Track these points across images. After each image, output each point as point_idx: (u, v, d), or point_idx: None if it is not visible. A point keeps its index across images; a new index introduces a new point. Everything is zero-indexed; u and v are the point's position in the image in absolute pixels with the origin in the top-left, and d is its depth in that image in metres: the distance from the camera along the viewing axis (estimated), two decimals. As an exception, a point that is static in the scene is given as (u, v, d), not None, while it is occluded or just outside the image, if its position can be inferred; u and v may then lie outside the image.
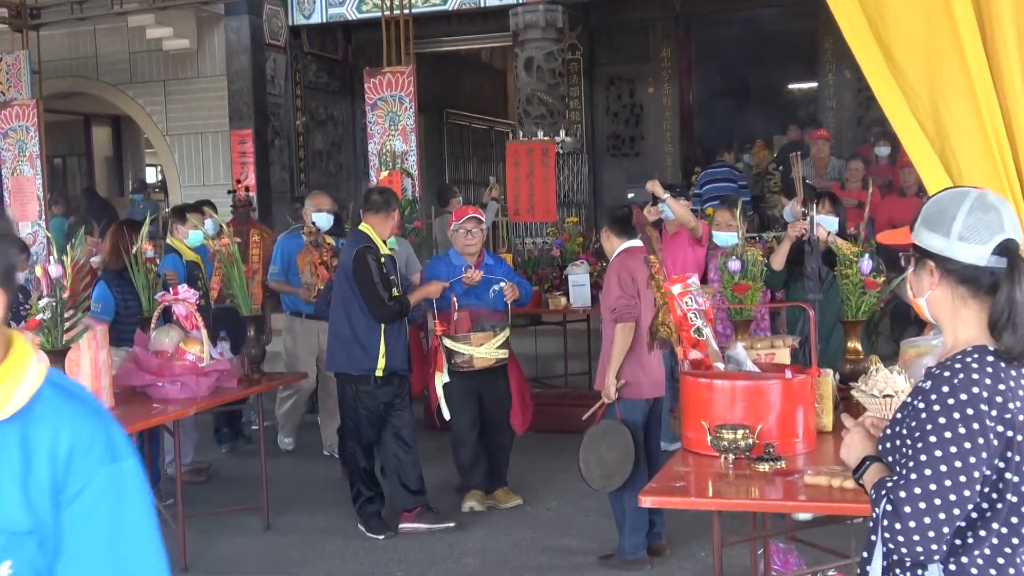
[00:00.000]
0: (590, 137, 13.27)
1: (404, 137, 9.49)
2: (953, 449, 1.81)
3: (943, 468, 1.81)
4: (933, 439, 1.83)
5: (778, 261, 5.50)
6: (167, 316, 5.47)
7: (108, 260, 5.92)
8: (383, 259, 5.47)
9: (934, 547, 1.82)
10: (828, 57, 12.69)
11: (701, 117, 13.66)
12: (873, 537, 1.95)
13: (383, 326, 5.44)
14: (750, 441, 3.25)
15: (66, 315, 4.40)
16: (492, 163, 16.22)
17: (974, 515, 1.86)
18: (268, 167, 11.58)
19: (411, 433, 5.63)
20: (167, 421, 5.16)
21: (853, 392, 3.42)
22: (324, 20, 11.89)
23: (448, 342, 5.62)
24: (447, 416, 5.73)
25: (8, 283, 1.35)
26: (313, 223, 6.82)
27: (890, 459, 1.98)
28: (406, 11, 9.86)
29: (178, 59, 11.98)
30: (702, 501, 3.15)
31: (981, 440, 1.81)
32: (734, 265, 4.26)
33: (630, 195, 12.10)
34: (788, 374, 3.53)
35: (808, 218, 4.75)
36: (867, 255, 4.07)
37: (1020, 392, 1.87)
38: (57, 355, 4.38)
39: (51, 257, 4.44)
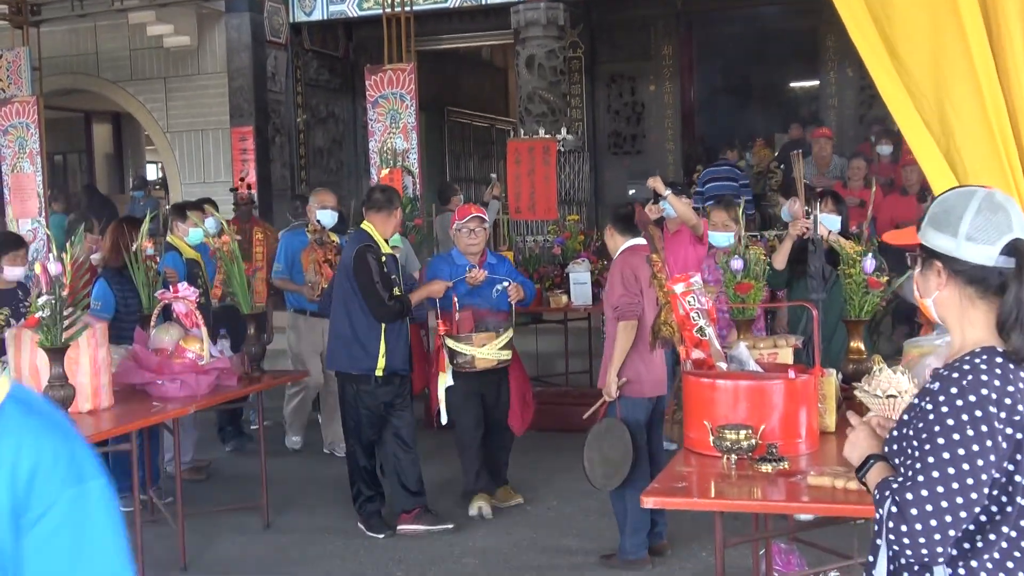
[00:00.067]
0: (591, 135, 13.26)
1: (405, 135, 9.49)
2: (961, 451, 1.79)
3: (951, 470, 1.79)
4: (941, 441, 1.81)
5: (780, 260, 5.47)
6: (167, 314, 5.45)
7: (108, 257, 5.89)
8: (384, 258, 5.44)
9: (939, 549, 1.80)
10: (830, 55, 12.68)
11: (702, 115, 13.64)
12: (878, 540, 1.93)
13: (383, 326, 5.42)
14: (753, 441, 3.23)
15: (65, 313, 4.38)
16: (493, 161, 16.18)
17: (983, 518, 1.84)
18: (269, 164, 11.57)
19: (411, 433, 5.60)
20: (167, 419, 5.15)
21: (856, 392, 3.39)
22: (325, 17, 11.89)
23: (450, 342, 5.60)
24: (444, 420, 5.71)
25: None
26: (318, 220, 6.81)
27: (896, 461, 1.96)
28: (407, 8, 9.86)
29: (179, 56, 11.97)
30: (704, 502, 3.13)
31: (990, 442, 1.79)
32: (737, 264, 4.24)
33: (631, 192, 12.09)
34: (791, 374, 3.51)
35: (811, 217, 4.73)
36: (870, 254, 4.05)
37: (1029, 393, 1.85)
38: (56, 353, 4.38)
39: (51, 254, 4.41)
